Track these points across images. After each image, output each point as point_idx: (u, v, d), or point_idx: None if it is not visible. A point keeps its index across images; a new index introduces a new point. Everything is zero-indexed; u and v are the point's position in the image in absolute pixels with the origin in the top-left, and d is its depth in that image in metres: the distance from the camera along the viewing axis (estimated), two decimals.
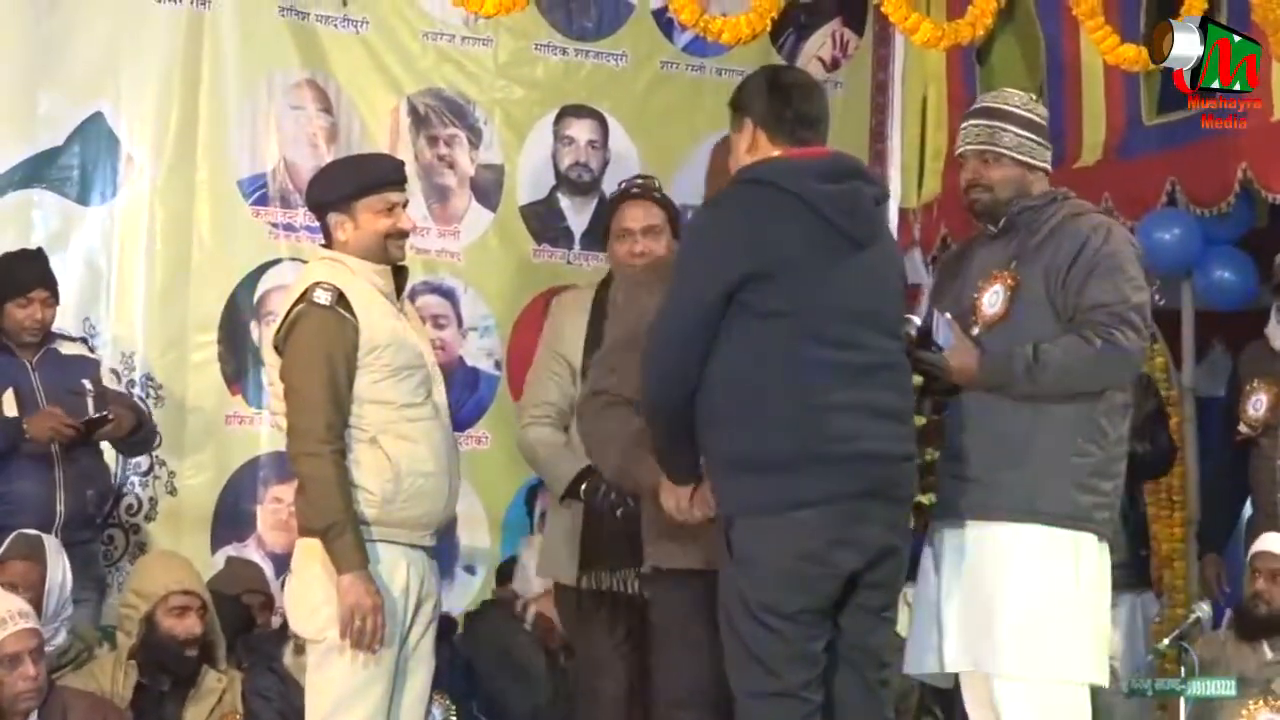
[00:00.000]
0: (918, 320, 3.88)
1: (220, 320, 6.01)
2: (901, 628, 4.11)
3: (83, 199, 5.89)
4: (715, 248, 3.66)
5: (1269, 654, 4.99)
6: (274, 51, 6.16)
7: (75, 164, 5.87)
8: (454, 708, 4.83)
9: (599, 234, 5.59)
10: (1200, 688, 4.68)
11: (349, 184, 4.07)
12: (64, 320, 5.57)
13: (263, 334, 6.01)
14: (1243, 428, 5.34)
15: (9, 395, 5.21)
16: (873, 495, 3.65)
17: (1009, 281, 3.91)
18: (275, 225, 6.12)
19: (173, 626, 4.61)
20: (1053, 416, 3.86)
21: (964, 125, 4.05)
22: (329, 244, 4.09)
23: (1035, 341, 3.82)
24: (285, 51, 6.17)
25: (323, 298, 3.95)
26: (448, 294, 6.39)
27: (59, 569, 4.88)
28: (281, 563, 5.86)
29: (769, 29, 6.09)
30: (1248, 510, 5.53)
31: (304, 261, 5.97)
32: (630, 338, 3.83)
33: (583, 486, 4.51)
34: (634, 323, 3.85)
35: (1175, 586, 6.11)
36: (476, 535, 6.28)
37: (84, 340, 5.60)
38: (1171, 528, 6.17)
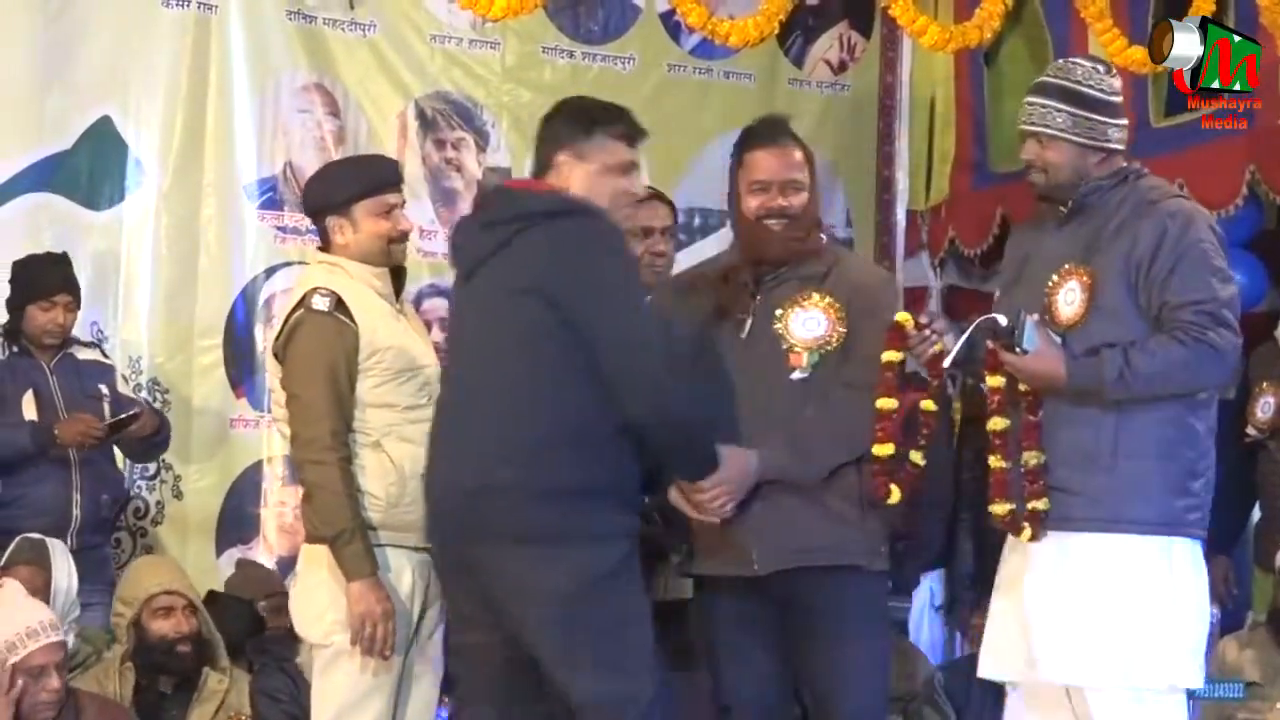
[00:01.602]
0: (1003, 319, 3.70)
1: (226, 324, 6.03)
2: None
3: (91, 203, 5.88)
4: None
5: None
6: (281, 55, 6.15)
7: (83, 168, 5.86)
8: None
9: None
10: (1210, 690, 4.65)
11: (347, 187, 4.07)
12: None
13: (268, 338, 6.04)
14: (1251, 430, 5.31)
15: (28, 397, 5.23)
16: (439, 534, 3.70)
17: (1084, 279, 3.74)
18: (282, 229, 6.13)
19: (160, 627, 4.64)
20: (1139, 420, 3.71)
21: (1024, 101, 3.90)
22: (326, 248, 4.09)
23: (1124, 345, 3.67)
24: (293, 55, 6.17)
25: (320, 304, 3.96)
26: None
27: (64, 573, 4.90)
28: (286, 566, 5.87)
29: (776, 32, 6.12)
30: (1256, 513, 5.52)
31: None
32: None
33: None
34: None
35: None
36: None
37: (99, 346, 5.62)
38: None
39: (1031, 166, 3.85)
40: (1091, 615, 3.71)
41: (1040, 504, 3.73)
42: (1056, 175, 3.82)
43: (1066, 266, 3.78)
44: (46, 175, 5.80)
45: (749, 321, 3.95)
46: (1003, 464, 3.75)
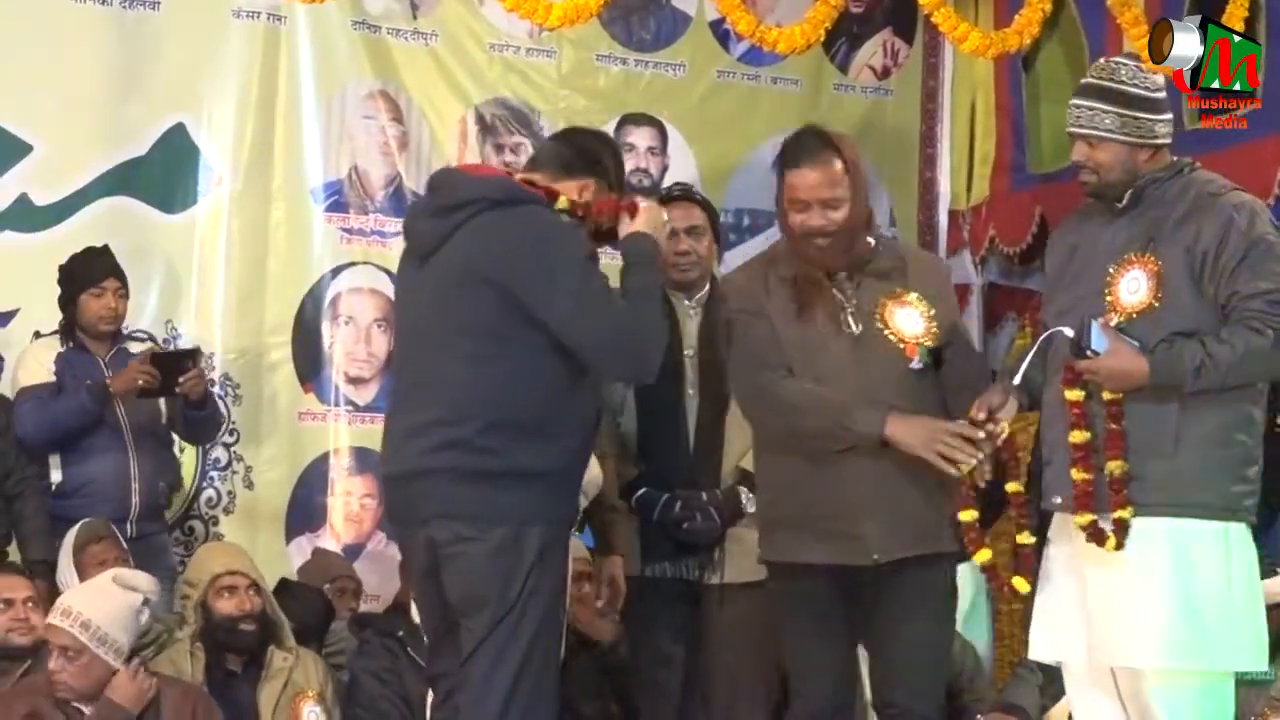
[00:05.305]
0: (1068, 331, 3.73)
1: (294, 321, 6.16)
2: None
3: (165, 206, 6.00)
4: None
5: None
6: (347, 64, 6.27)
7: (158, 173, 5.99)
8: None
9: None
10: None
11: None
12: (145, 322, 5.83)
13: (334, 335, 6.23)
14: None
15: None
16: (397, 519, 3.75)
17: (1151, 267, 3.75)
18: (348, 230, 6.26)
19: (224, 606, 4.74)
20: (1200, 408, 3.71)
21: (1070, 104, 3.91)
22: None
23: (1200, 337, 3.68)
24: (358, 64, 6.28)
25: None
26: None
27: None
28: (352, 553, 6.08)
29: (823, 39, 6.24)
30: None
31: (374, 265, 6.20)
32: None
33: (638, 494, 4.60)
34: None
35: None
36: None
37: (152, 339, 5.77)
38: None
39: (1082, 167, 3.87)
40: (1154, 598, 3.71)
41: (1125, 513, 3.72)
42: (1108, 175, 3.84)
43: (1129, 255, 3.79)
44: (123, 180, 5.94)
45: (850, 317, 4.02)
46: (1085, 475, 3.75)
